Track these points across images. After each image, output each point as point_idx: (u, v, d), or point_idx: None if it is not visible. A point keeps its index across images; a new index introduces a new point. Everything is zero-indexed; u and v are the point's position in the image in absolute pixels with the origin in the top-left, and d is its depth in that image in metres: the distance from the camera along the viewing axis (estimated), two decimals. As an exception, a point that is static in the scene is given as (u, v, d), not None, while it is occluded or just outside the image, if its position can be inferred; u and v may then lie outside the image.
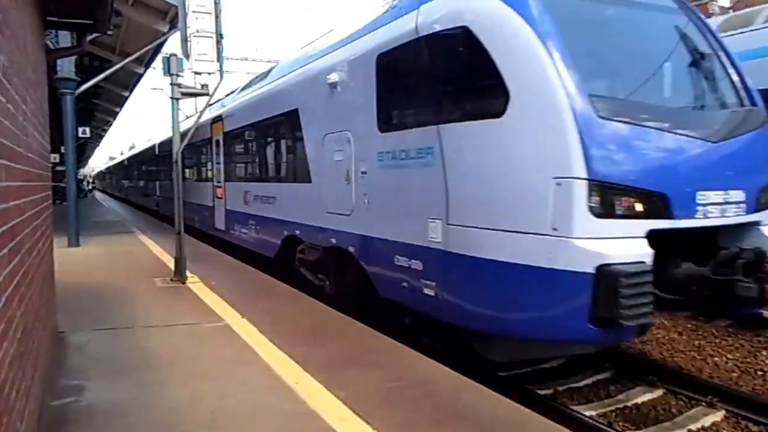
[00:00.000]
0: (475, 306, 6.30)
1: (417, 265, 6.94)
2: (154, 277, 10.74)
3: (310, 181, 9.79)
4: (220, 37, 9.65)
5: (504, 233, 5.84)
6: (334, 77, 8.70)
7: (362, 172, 7.99)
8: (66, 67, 15.53)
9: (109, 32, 8.12)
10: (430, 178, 6.62)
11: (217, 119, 15.78)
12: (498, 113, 5.92)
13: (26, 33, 4.60)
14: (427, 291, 6.75)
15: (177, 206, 10.72)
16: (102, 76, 17.59)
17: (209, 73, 10.00)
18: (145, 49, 17.44)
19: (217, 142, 15.94)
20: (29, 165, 4.39)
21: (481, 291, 6.14)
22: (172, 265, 10.71)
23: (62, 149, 18.12)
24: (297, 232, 10.42)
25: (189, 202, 18.86)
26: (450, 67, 6.77)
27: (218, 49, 9.70)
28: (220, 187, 15.87)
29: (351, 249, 8.44)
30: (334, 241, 8.91)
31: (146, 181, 33.79)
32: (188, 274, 10.46)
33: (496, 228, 5.91)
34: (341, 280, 9.24)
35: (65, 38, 12.40)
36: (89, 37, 8.32)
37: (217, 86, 10.47)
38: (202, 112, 12.50)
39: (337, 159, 8.67)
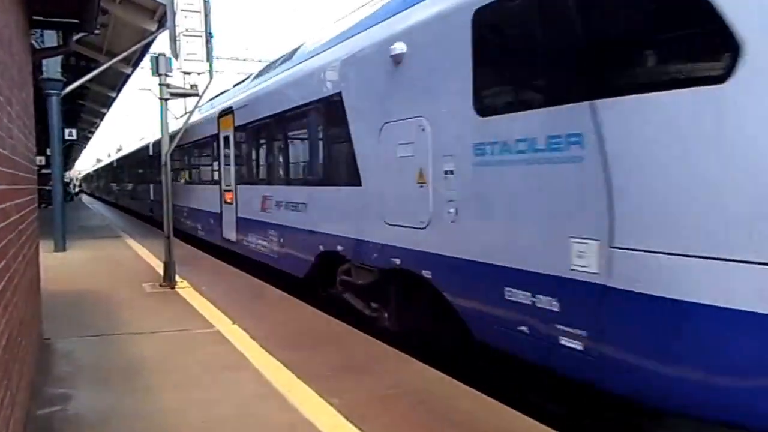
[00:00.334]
0: (662, 372, 4.22)
1: (549, 303, 4.84)
2: (142, 282, 10.60)
3: (358, 184, 7.70)
4: (209, 36, 9.55)
5: (722, 264, 3.80)
6: (399, 48, 6.69)
7: (446, 172, 5.95)
8: (52, 67, 15.34)
9: (96, 31, 8.00)
10: (576, 178, 4.62)
11: (226, 112, 13.72)
12: (717, 78, 3.84)
13: (11, 32, 4.47)
14: (568, 342, 4.73)
15: (166, 209, 10.57)
16: (89, 76, 17.37)
17: (199, 73, 9.91)
18: (133, 48, 17.24)
19: (226, 138, 13.78)
20: (14, 168, 4.27)
21: (675, 350, 4.14)
22: (161, 269, 10.58)
23: (48, 151, 17.87)
24: (339, 247, 8.31)
25: (190, 209, 17.68)
26: (620, 9, 4.63)
27: (208, 48, 9.61)
28: (229, 190, 13.56)
29: (426, 273, 6.39)
30: (397, 261, 6.89)
31: (139, 183, 30.93)
32: (178, 279, 10.33)
33: (707, 255, 3.86)
34: (408, 313, 7.31)
35: (51, 38, 12.22)
36: (76, 37, 8.18)
37: (207, 86, 10.35)
38: (191, 112, 12.27)
39: (402, 154, 6.66)
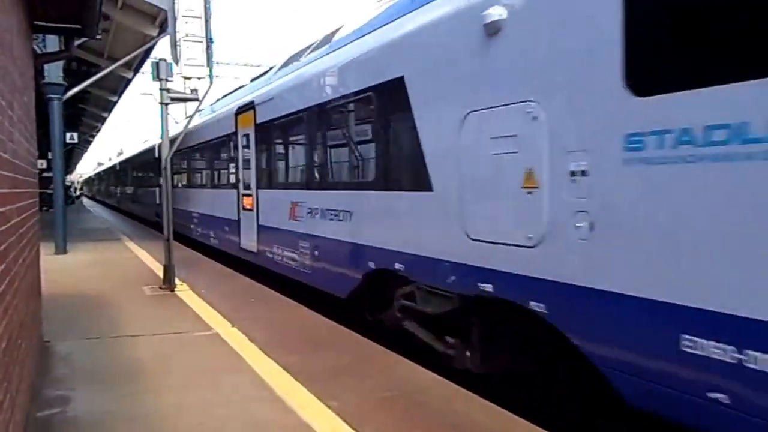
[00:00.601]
0: None
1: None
2: (142, 285, 10.63)
3: (427, 188, 6.17)
4: (209, 41, 9.60)
5: None
6: (496, 13, 5.13)
7: (573, 173, 4.47)
8: (53, 71, 15.39)
9: (98, 37, 8.04)
10: None
11: (245, 108, 12.09)
12: None
13: (13, 37, 4.51)
14: None
15: (166, 212, 10.60)
16: (90, 81, 17.47)
17: (199, 78, 9.95)
18: (134, 53, 17.34)
19: (246, 137, 12.14)
20: (15, 171, 4.31)
21: None
22: (160, 272, 10.61)
23: (49, 155, 17.90)
24: (397, 265, 6.81)
25: (202, 215, 16.46)
26: None
27: (208, 53, 9.65)
28: (249, 195, 11.91)
29: (537, 307, 4.83)
30: (488, 287, 5.39)
31: (144, 187, 28.82)
32: (177, 281, 10.36)
33: None
34: (500, 353, 5.82)
35: (53, 42, 12.28)
36: (77, 42, 8.25)
37: (207, 91, 10.40)
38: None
39: (499, 152, 5.16)
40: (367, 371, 5.93)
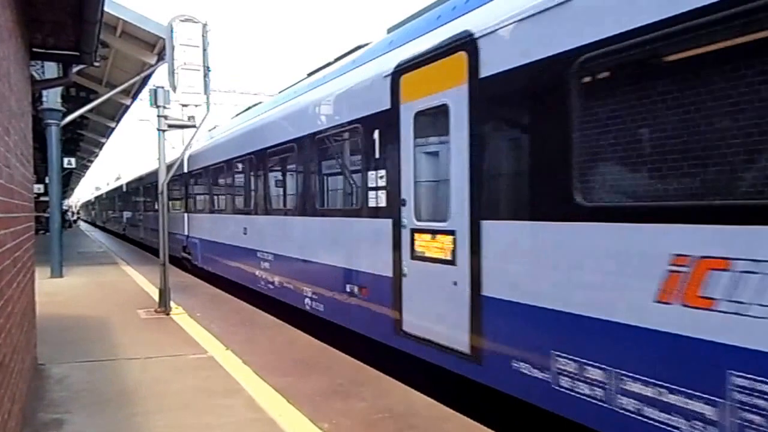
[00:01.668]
0: None
1: None
2: (137, 308, 10.64)
3: None
4: (207, 70, 9.73)
5: None
6: None
7: None
8: (52, 97, 15.57)
9: (96, 64, 8.16)
10: None
11: (436, 55, 6.27)
12: None
13: (10, 64, 4.61)
14: None
15: (162, 238, 10.66)
16: (88, 107, 17.62)
17: (196, 105, 10.05)
18: (133, 80, 17.49)
19: (433, 115, 6.36)
20: (10, 197, 4.37)
21: None
22: (156, 296, 10.63)
23: (47, 180, 17.98)
24: None
25: (287, 259, 10.19)
26: None
27: (205, 81, 9.77)
28: (438, 232, 6.20)
29: None
30: None
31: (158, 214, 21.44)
32: (173, 305, 10.38)
33: None
34: None
35: (51, 68, 12.41)
36: (75, 69, 8.36)
37: (204, 118, 10.50)
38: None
39: None
40: (360, 393, 5.97)
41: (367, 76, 7.63)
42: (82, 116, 18.84)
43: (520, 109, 5.23)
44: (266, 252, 11.06)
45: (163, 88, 10.34)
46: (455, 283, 5.78)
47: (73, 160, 25.30)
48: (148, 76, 17.52)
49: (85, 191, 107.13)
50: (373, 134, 7.35)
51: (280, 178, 11.07)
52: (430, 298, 6.26)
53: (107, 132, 29.69)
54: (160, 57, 15.88)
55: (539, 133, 4.93)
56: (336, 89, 8.49)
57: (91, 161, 47.72)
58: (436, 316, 6.16)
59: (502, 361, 5.21)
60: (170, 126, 10.63)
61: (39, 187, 22.45)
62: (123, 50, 16.21)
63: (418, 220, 6.52)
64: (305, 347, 7.88)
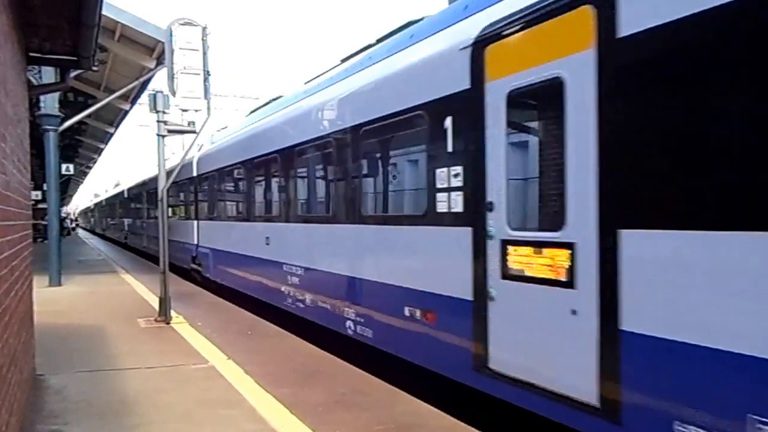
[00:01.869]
0: None
1: None
2: (137, 317, 10.52)
3: None
4: (207, 74, 9.63)
5: None
6: None
7: None
8: (49, 103, 15.45)
9: (94, 68, 8.07)
10: None
11: (544, 12, 4.81)
12: None
13: (6, 70, 4.51)
14: None
15: (162, 245, 10.55)
16: (86, 112, 17.54)
17: (196, 110, 9.95)
18: (132, 85, 17.40)
19: (549, 85, 4.76)
20: (7, 204, 4.28)
21: None
22: (156, 305, 10.52)
23: (44, 186, 17.85)
24: None
25: (320, 275, 8.75)
26: None
27: (205, 86, 9.67)
28: (554, 244, 4.71)
29: None
30: None
31: (175, 218, 19.80)
32: (173, 314, 10.27)
33: None
34: None
35: (49, 73, 12.32)
36: (73, 74, 8.27)
37: (204, 123, 10.40)
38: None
39: None
40: (363, 403, 5.87)
41: (434, 52, 6.24)
42: (80, 122, 18.76)
43: (694, 78, 3.73)
44: (294, 265, 9.55)
45: (162, 92, 10.24)
46: (574, 312, 4.45)
47: (71, 166, 25.19)
48: (148, 81, 17.45)
49: (83, 198, 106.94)
50: (443, 122, 5.88)
51: (312, 179, 9.78)
52: (532, 329, 4.86)
53: (106, 137, 29.62)
54: (160, 61, 15.79)
55: (728, 109, 3.57)
56: (386, 72, 7.14)
57: (90, 167, 47.69)
58: (541, 352, 4.78)
59: (656, 422, 3.86)
60: (170, 131, 10.53)
61: (36, 194, 22.38)
62: (122, 54, 16.13)
63: (513, 228, 5.07)
64: (308, 356, 7.77)
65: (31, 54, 6.80)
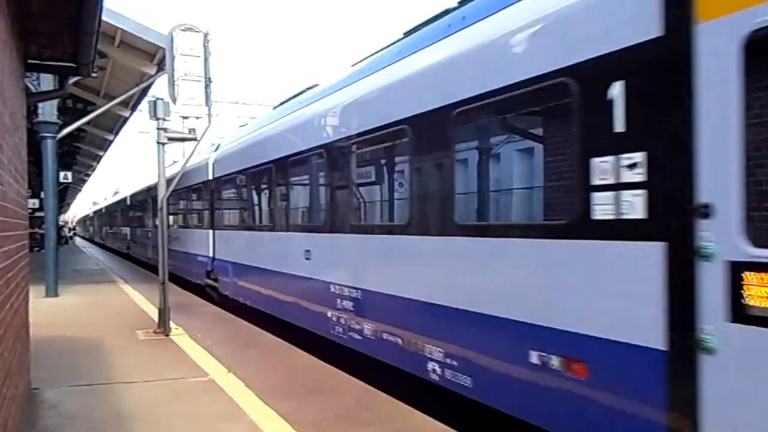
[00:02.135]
0: None
1: None
2: (136, 329, 10.36)
3: None
4: (208, 81, 9.51)
5: None
6: None
7: None
8: (47, 110, 15.28)
9: (93, 75, 7.95)
10: None
11: None
12: None
13: (4, 78, 4.40)
14: None
15: (162, 256, 10.40)
16: (85, 119, 17.41)
17: (197, 117, 9.83)
18: (131, 91, 17.30)
19: None
20: (4, 215, 4.16)
21: None
22: (155, 316, 10.38)
23: (42, 194, 17.68)
24: None
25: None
26: None
27: (206, 93, 9.55)
28: None
29: None
30: None
31: (184, 227, 18.97)
32: (172, 325, 10.11)
33: None
34: None
35: (47, 80, 12.20)
36: (72, 80, 8.15)
37: (206, 131, 10.28)
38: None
39: None
40: (367, 419, 5.74)
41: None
42: (79, 129, 18.62)
43: None
44: (348, 286, 7.71)
45: (162, 99, 10.12)
46: None
47: (69, 174, 25.06)
48: (148, 87, 17.36)
49: (82, 206, 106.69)
50: (605, 90, 4.12)
51: (379, 179, 8.00)
52: None
53: (105, 145, 29.53)
54: (160, 67, 15.70)
55: None
56: (498, 31, 5.20)
57: (89, 175, 47.57)
58: None
59: None
60: (170, 139, 10.41)
61: (34, 202, 22.23)
62: (121, 60, 16.04)
63: (757, 245, 3.30)
64: (311, 369, 7.63)
65: (30, 61, 6.69)
